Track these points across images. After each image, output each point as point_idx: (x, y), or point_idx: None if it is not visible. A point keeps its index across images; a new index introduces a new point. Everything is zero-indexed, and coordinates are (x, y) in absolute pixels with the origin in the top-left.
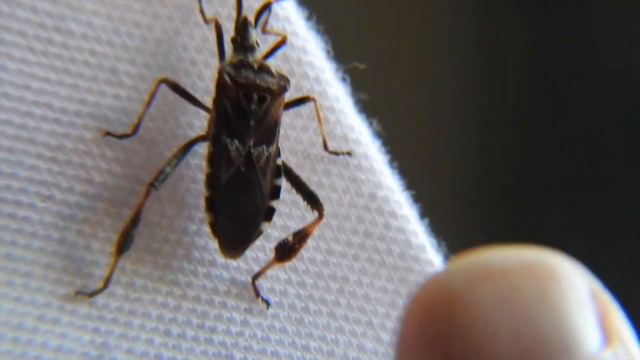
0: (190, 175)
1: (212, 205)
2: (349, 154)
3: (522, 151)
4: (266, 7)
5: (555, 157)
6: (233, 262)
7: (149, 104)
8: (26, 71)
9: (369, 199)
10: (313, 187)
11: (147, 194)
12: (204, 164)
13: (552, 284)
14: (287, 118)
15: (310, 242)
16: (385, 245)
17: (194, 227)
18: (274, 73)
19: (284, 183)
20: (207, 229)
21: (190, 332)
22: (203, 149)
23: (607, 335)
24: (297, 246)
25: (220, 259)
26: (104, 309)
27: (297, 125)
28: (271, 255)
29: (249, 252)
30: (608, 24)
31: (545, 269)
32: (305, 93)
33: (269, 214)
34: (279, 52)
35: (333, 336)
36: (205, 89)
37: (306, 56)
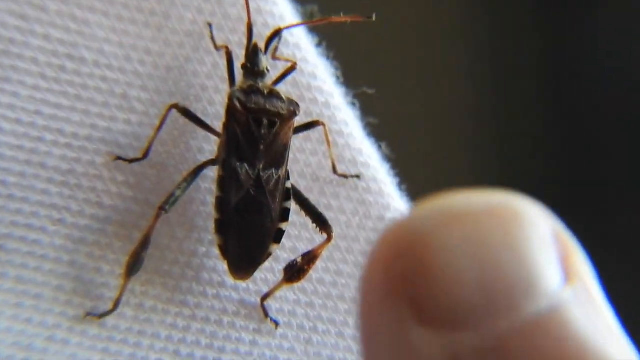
0: (200, 199)
1: (221, 227)
2: (357, 177)
3: (537, 170)
4: (276, 34)
5: (569, 169)
6: (242, 284)
7: (159, 128)
8: (38, 97)
9: (377, 221)
10: (322, 209)
11: (157, 217)
12: (214, 187)
13: (515, 226)
14: (296, 142)
15: (319, 263)
16: None
17: (203, 249)
18: (284, 98)
19: (293, 205)
20: (216, 251)
21: (199, 353)
22: (213, 172)
23: (568, 274)
24: (306, 267)
25: (230, 280)
26: (114, 330)
27: (306, 149)
28: (280, 276)
29: (258, 274)
30: (609, 23)
31: (509, 211)
32: (314, 118)
33: (278, 236)
34: (289, 78)
35: (341, 356)
36: (215, 114)
37: (315, 82)
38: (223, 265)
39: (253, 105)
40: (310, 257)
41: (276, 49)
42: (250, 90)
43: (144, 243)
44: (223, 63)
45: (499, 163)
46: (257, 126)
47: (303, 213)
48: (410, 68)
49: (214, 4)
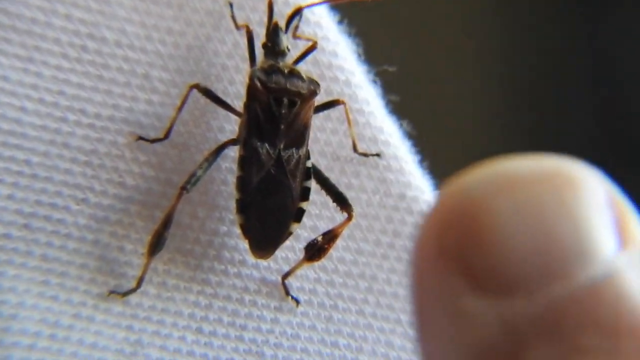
0: (220, 178)
1: (243, 207)
2: (378, 155)
3: (554, 148)
4: (297, 13)
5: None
6: (263, 262)
7: (180, 108)
8: (60, 78)
9: (398, 199)
10: (342, 188)
11: (179, 196)
12: (235, 167)
13: (570, 191)
14: (317, 121)
15: (339, 242)
16: None
17: (224, 229)
18: (304, 77)
19: (313, 185)
20: (237, 230)
21: (221, 330)
22: (234, 152)
23: (624, 240)
24: (326, 246)
25: (251, 259)
26: (137, 307)
27: (326, 127)
28: (301, 255)
29: (279, 252)
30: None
31: (564, 177)
32: (335, 96)
33: (299, 215)
34: (310, 57)
35: (361, 333)
36: (236, 93)
37: (336, 60)
38: (244, 244)
39: (274, 85)
40: (330, 236)
41: (297, 27)
42: (271, 70)
43: (166, 222)
44: (244, 42)
45: (522, 138)
46: (278, 106)
47: (324, 192)
48: (432, 45)
49: None
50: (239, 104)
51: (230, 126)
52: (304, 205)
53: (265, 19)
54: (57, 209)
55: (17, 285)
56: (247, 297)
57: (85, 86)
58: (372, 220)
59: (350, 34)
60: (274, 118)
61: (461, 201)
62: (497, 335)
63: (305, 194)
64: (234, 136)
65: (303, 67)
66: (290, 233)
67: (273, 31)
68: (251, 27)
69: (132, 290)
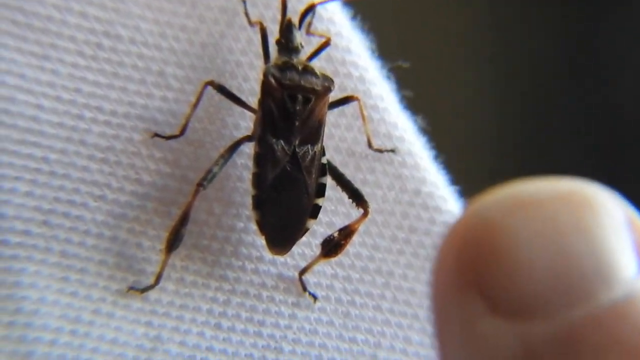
0: (236, 174)
1: (259, 203)
2: (393, 151)
3: (569, 144)
4: (310, 10)
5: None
6: (280, 258)
7: (195, 105)
8: (77, 75)
9: (413, 195)
10: (358, 184)
11: (196, 193)
12: (250, 163)
13: (588, 212)
14: (331, 117)
15: (355, 237)
16: (431, 240)
17: (241, 225)
18: (318, 74)
19: (329, 181)
20: (254, 227)
21: (239, 326)
22: (249, 148)
23: None
24: (343, 242)
25: (268, 255)
26: (156, 303)
27: (341, 124)
28: (317, 251)
29: (296, 248)
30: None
31: (581, 198)
32: (349, 92)
33: (315, 211)
34: (323, 53)
35: (379, 329)
36: (250, 90)
37: (350, 56)
38: (261, 241)
39: (288, 82)
40: (347, 232)
41: (310, 24)
42: (285, 67)
43: (183, 219)
44: (257, 39)
45: (538, 134)
46: (292, 102)
47: (339, 188)
48: (447, 39)
49: None
50: (253, 101)
51: (245, 123)
52: (319, 201)
53: (279, 16)
54: (75, 206)
55: (37, 282)
56: (264, 293)
57: (101, 84)
58: (387, 216)
59: (363, 30)
60: (289, 115)
61: (478, 223)
62: (516, 358)
63: (321, 190)
64: (249, 133)
65: (317, 64)
66: (307, 229)
67: (286, 28)
68: (265, 24)
69: (151, 287)
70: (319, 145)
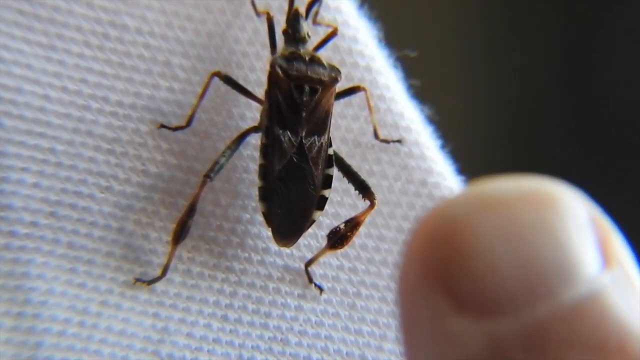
0: (242, 166)
1: (265, 195)
2: (399, 141)
3: (577, 134)
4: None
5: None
6: (286, 250)
7: (202, 96)
8: (83, 65)
9: (420, 186)
10: (364, 175)
11: (203, 185)
12: (257, 154)
13: (551, 211)
14: (338, 107)
15: (361, 229)
16: None
17: (247, 216)
18: (325, 64)
19: (335, 172)
20: (260, 218)
21: (246, 318)
22: (256, 139)
23: (607, 259)
24: (349, 234)
25: (274, 246)
26: (163, 295)
27: (347, 114)
28: (323, 242)
29: (302, 240)
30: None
31: (544, 196)
32: (356, 82)
33: (321, 202)
34: (330, 43)
35: (385, 320)
36: (256, 80)
37: (357, 46)
38: (267, 232)
39: (295, 72)
40: (353, 224)
41: (317, 13)
42: (292, 57)
43: (190, 211)
44: (264, 29)
45: (543, 123)
46: (299, 93)
47: (345, 179)
48: (455, 27)
49: None
50: (260, 91)
51: (252, 113)
52: (326, 193)
53: (286, 6)
54: (82, 197)
55: (45, 273)
56: (270, 285)
57: (108, 74)
58: (393, 207)
59: (371, 18)
60: (296, 105)
61: (444, 221)
62: (482, 355)
63: (327, 182)
64: (255, 124)
65: (323, 54)
66: (313, 221)
67: (293, 18)
68: (271, 14)
69: (158, 279)
70: (326, 136)
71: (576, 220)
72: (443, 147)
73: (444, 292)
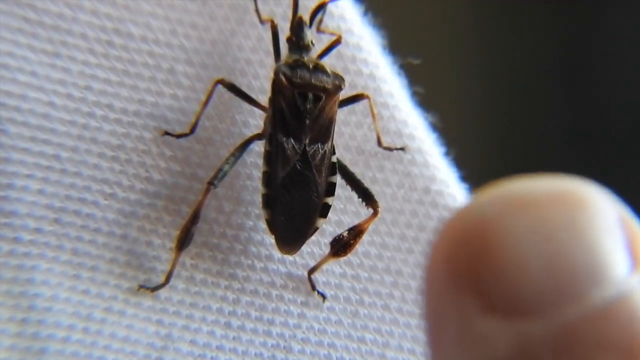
0: (246, 173)
1: (269, 202)
2: (402, 149)
3: (579, 139)
4: (321, 7)
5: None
6: (289, 257)
7: (206, 104)
8: (88, 73)
9: (422, 193)
10: (367, 182)
11: (207, 192)
12: (260, 162)
13: (581, 212)
14: (341, 115)
15: (364, 236)
16: None
17: (250, 223)
18: (329, 72)
19: (338, 179)
20: (263, 225)
21: (249, 325)
22: (259, 146)
23: (636, 260)
24: (352, 242)
25: (277, 253)
26: (167, 302)
27: (351, 121)
28: (326, 249)
29: (305, 247)
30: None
31: (574, 197)
32: (359, 90)
33: (325, 210)
34: (334, 50)
35: (388, 328)
36: (260, 88)
37: (360, 53)
38: (270, 239)
39: (299, 80)
40: (356, 232)
41: (321, 21)
42: (296, 65)
43: (194, 218)
44: (268, 36)
45: (547, 130)
46: (303, 101)
47: (348, 187)
48: (459, 34)
49: None
50: (263, 99)
51: (255, 121)
52: (329, 200)
53: (290, 13)
54: (86, 204)
55: (49, 279)
56: (274, 292)
57: (112, 81)
58: (397, 215)
59: (375, 26)
60: (299, 113)
61: (472, 221)
62: (510, 356)
63: (330, 189)
64: (258, 131)
65: (327, 61)
66: (317, 228)
67: (297, 25)
68: (275, 22)
69: (162, 285)
70: (329, 143)
71: (605, 221)
72: (447, 154)
73: (471, 293)
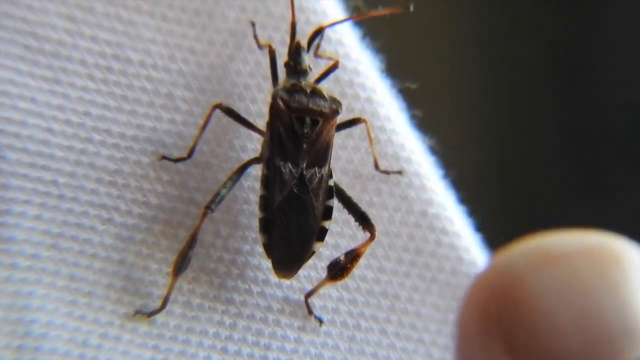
0: (243, 197)
1: (266, 226)
2: (400, 172)
3: (585, 170)
4: (319, 33)
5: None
6: (286, 281)
7: (203, 128)
8: (86, 99)
9: (420, 217)
10: (364, 205)
11: (204, 216)
12: (258, 186)
13: (615, 268)
14: (338, 138)
15: (361, 260)
16: (437, 262)
17: (247, 247)
18: (326, 97)
19: (335, 203)
20: (260, 249)
21: (246, 350)
22: (257, 171)
23: None
24: (349, 266)
25: (274, 278)
26: (163, 327)
27: (348, 145)
28: (323, 273)
29: (301, 271)
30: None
31: (607, 253)
32: (357, 114)
33: (322, 234)
34: (331, 75)
35: (385, 353)
36: (258, 112)
37: (358, 78)
38: (267, 263)
39: (296, 104)
40: (353, 256)
41: (318, 46)
42: (293, 89)
43: (191, 242)
44: (265, 61)
45: (547, 154)
46: (300, 125)
47: (345, 210)
48: (457, 60)
49: (257, 2)
50: (261, 123)
51: (253, 145)
52: (326, 224)
53: (288, 38)
54: (83, 229)
55: (46, 305)
56: (270, 317)
57: (110, 106)
58: (393, 238)
59: (373, 49)
60: (297, 137)
61: (505, 275)
62: None
63: (327, 213)
64: (256, 155)
65: (325, 85)
66: (313, 252)
67: (295, 50)
68: (273, 46)
69: (158, 311)
70: (327, 167)
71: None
72: (445, 177)
73: (502, 345)
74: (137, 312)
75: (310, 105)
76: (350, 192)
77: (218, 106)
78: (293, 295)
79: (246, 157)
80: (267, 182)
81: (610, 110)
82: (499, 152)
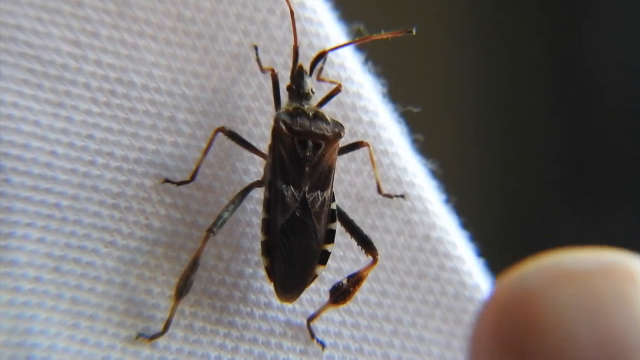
0: (245, 220)
1: (268, 249)
2: (402, 196)
3: (591, 195)
4: (321, 56)
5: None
6: (288, 305)
7: (206, 151)
8: (90, 122)
9: (422, 241)
10: (367, 229)
11: (206, 239)
12: (260, 209)
13: (630, 285)
14: (341, 162)
15: (364, 284)
16: (440, 286)
17: (249, 271)
18: (329, 120)
19: (337, 226)
20: (262, 273)
21: None
22: (259, 194)
23: None
24: (351, 290)
25: (276, 301)
26: (165, 350)
27: (350, 169)
28: (325, 297)
29: (304, 295)
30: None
31: (623, 271)
32: (359, 137)
33: (324, 257)
34: (334, 98)
35: None
36: (260, 135)
37: (360, 101)
38: (269, 286)
39: (299, 128)
40: (355, 279)
41: (321, 70)
42: (296, 113)
43: (193, 265)
44: (268, 85)
45: (548, 175)
46: (303, 148)
47: (348, 234)
48: (459, 84)
49: (260, 26)
50: (263, 146)
51: (255, 168)
52: (329, 247)
53: (290, 62)
54: (86, 252)
55: (48, 329)
56: (273, 340)
57: (114, 130)
58: (396, 262)
59: (375, 73)
60: (299, 160)
61: (519, 293)
62: None
63: (330, 237)
64: (258, 178)
65: (327, 109)
66: (316, 275)
67: (298, 74)
68: (276, 70)
69: (160, 334)
70: (329, 191)
71: None
72: (447, 201)
73: None
74: (139, 336)
75: (313, 128)
76: (352, 216)
77: (221, 130)
78: (295, 319)
79: (249, 180)
80: (270, 205)
81: (615, 139)
82: (501, 176)
